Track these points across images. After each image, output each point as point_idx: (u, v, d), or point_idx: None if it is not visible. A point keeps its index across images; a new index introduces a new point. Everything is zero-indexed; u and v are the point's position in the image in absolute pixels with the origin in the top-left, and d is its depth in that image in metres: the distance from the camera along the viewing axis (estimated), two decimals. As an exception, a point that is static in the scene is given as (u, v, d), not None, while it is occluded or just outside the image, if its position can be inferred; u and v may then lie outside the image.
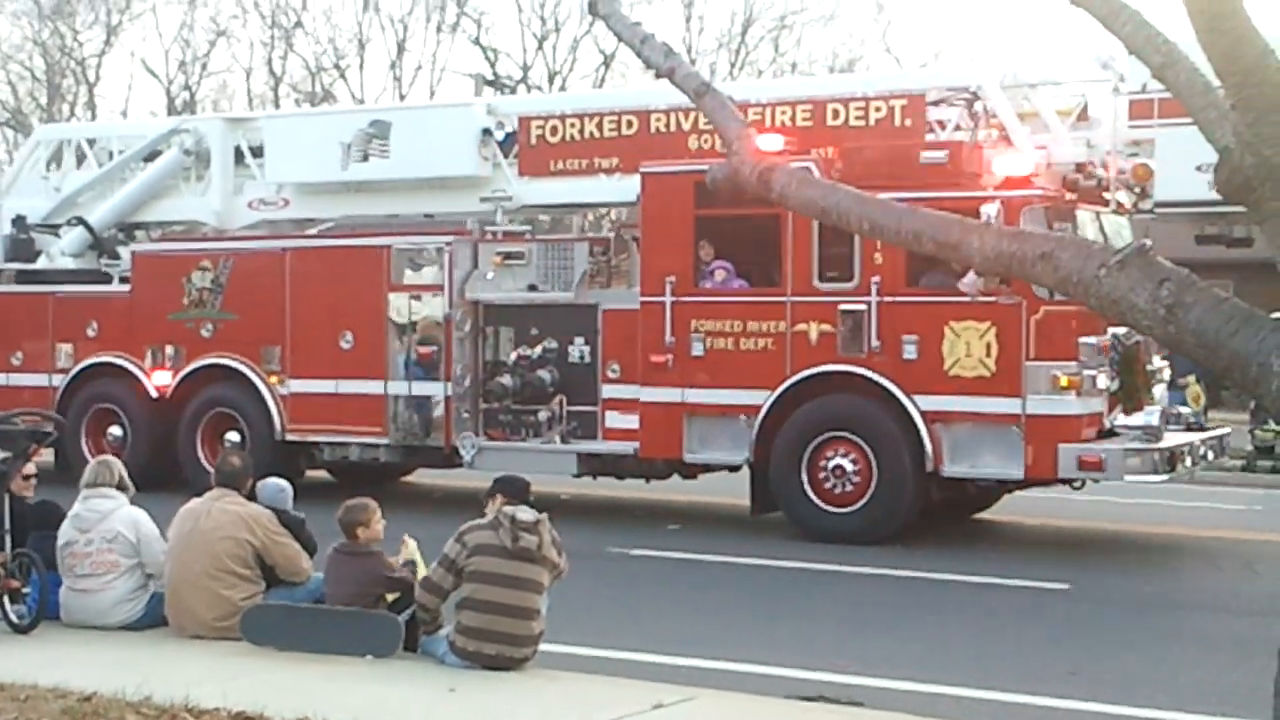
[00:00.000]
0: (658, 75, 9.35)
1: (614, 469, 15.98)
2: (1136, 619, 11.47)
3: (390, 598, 9.18)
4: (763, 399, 14.59)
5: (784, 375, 14.50)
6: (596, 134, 16.42)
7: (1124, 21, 7.07)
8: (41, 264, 19.60)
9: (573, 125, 16.57)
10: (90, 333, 18.37)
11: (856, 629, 10.98)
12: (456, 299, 16.26)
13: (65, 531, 9.79)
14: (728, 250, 14.87)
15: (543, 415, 15.95)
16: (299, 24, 52.54)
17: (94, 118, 52.02)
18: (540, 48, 50.88)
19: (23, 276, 19.57)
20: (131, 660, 8.67)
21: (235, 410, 17.51)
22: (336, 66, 52.24)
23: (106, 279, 18.91)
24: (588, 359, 15.81)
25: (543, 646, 8.74)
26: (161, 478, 16.10)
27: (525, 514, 8.62)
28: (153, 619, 9.64)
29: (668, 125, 15.96)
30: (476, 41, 50.91)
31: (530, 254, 16.15)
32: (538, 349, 15.99)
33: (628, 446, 15.44)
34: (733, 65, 50.48)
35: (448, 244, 16.41)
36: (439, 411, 16.30)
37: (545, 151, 16.69)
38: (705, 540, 14.81)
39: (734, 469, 15.69)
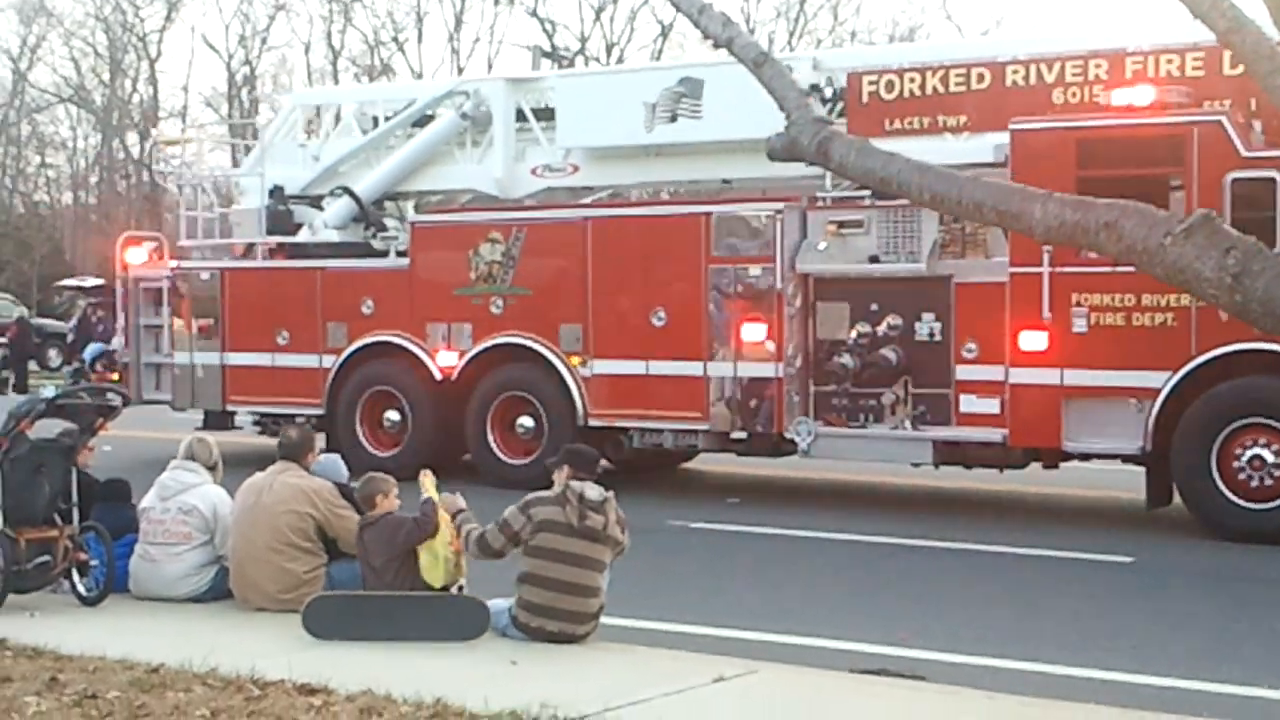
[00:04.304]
0: (715, 45, 9.26)
1: (971, 457, 14.49)
2: (1201, 592, 11.22)
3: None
4: (1161, 381, 13.09)
5: (1188, 355, 12.99)
6: (940, 89, 14.82)
7: (1190, -15, 6.59)
8: (303, 237, 18.38)
9: (912, 80, 14.95)
10: (365, 310, 17.05)
11: (919, 603, 10.73)
12: (786, 271, 14.86)
13: (148, 497, 9.98)
14: (1110, 215, 13.34)
15: (885, 399, 14.56)
16: (358, -3, 52.24)
17: (155, 93, 52.09)
18: (598, 19, 50.97)
19: (283, 250, 18.39)
20: (197, 632, 8.83)
21: (530, 393, 16.22)
22: (395, 40, 52.40)
23: (375, 252, 17.64)
24: (938, 337, 14.34)
25: (604, 619, 8.78)
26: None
27: (593, 492, 8.58)
28: (218, 593, 9.79)
29: (1027, 78, 14.32)
30: (533, 13, 50.94)
31: (869, 222, 14.66)
32: (881, 326, 14.57)
33: (993, 433, 13.97)
34: (791, 34, 49.45)
35: (777, 211, 14.97)
36: (769, 395, 14.91)
37: (879, 110, 15.11)
38: (765, 514, 14.50)
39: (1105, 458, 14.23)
